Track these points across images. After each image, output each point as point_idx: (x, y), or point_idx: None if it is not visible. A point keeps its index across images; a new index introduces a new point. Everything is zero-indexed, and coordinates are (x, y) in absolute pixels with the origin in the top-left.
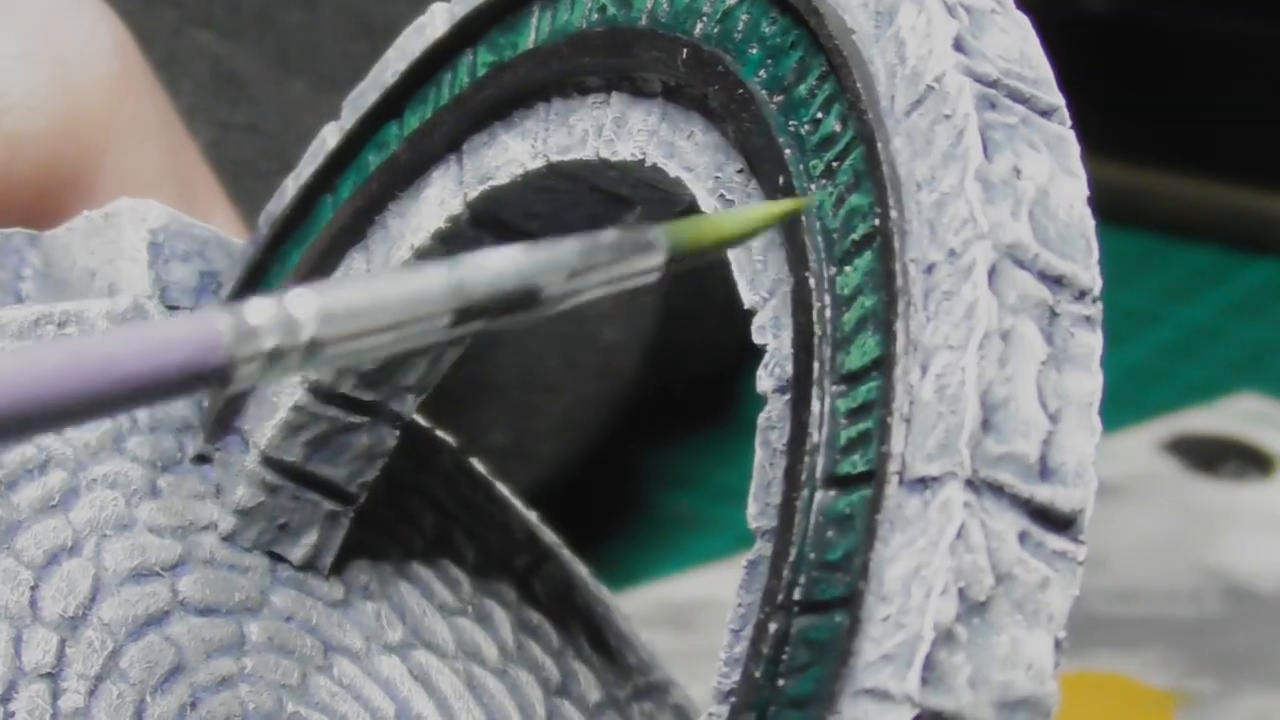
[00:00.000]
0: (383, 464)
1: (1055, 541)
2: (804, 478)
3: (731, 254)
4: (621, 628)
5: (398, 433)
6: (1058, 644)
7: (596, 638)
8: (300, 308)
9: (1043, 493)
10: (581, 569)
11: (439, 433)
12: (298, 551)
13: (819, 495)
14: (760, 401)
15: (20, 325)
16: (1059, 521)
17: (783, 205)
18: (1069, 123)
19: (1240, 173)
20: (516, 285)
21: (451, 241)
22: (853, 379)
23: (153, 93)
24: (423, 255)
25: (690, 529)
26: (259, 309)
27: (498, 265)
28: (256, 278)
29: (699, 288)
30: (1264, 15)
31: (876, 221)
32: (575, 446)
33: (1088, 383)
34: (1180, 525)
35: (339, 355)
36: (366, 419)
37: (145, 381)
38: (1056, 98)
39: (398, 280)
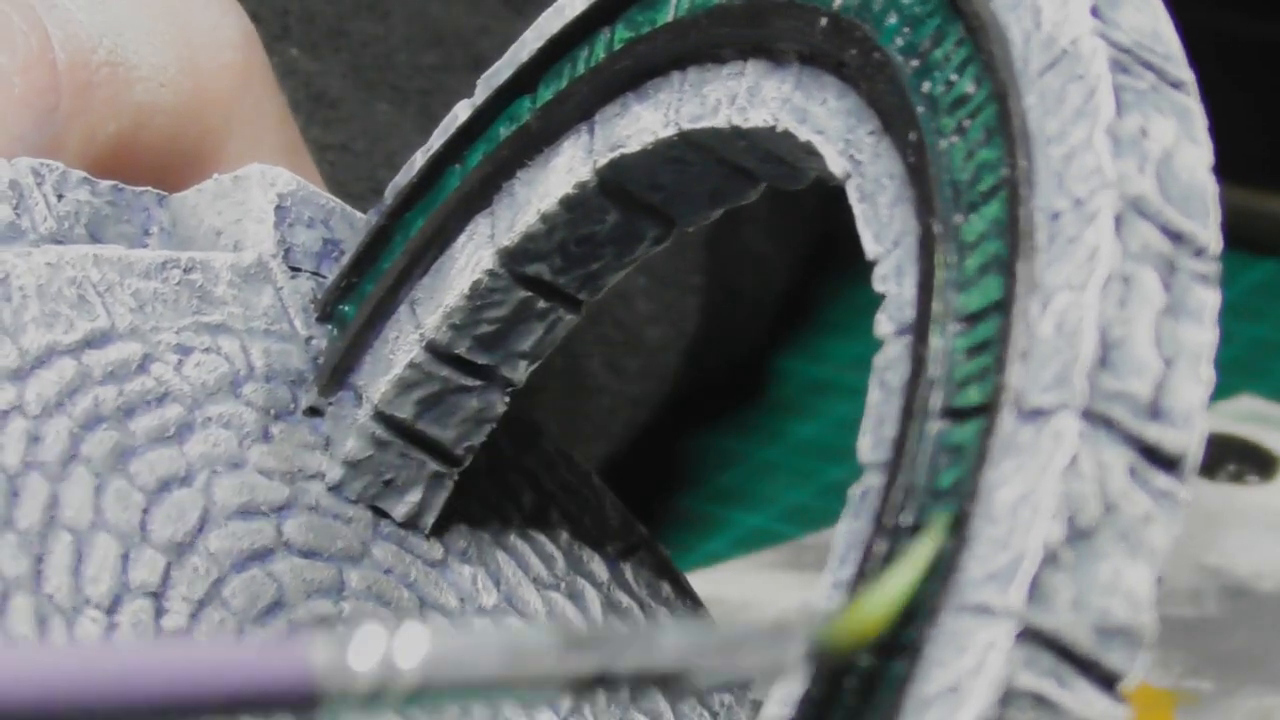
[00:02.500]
0: (489, 430)
1: (1161, 480)
2: (919, 410)
3: (857, 207)
4: (707, 621)
5: (507, 399)
6: (1158, 579)
7: None
8: (406, 655)
9: (1152, 431)
10: (672, 564)
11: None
12: (401, 508)
13: (933, 426)
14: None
15: (148, 266)
16: (1166, 461)
17: (919, 564)
18: (1197, 97)
19: (1240, 173)
20: (669, 667)
21: (577, 207)
22: (973, 319)
23: (272, 89)
24: (548, 220)
25: (690, 530)
26: (364, 648)
27: (655, 647)
28: (380, 244)
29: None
30: (1262, 15)
31: (1005, 172)
32: (616, 447)
33: (1202, 334)
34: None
35: (433, 703)
36: (479, 382)
37: (230, 697)
38: (1186, 73)
39: (523, 646)
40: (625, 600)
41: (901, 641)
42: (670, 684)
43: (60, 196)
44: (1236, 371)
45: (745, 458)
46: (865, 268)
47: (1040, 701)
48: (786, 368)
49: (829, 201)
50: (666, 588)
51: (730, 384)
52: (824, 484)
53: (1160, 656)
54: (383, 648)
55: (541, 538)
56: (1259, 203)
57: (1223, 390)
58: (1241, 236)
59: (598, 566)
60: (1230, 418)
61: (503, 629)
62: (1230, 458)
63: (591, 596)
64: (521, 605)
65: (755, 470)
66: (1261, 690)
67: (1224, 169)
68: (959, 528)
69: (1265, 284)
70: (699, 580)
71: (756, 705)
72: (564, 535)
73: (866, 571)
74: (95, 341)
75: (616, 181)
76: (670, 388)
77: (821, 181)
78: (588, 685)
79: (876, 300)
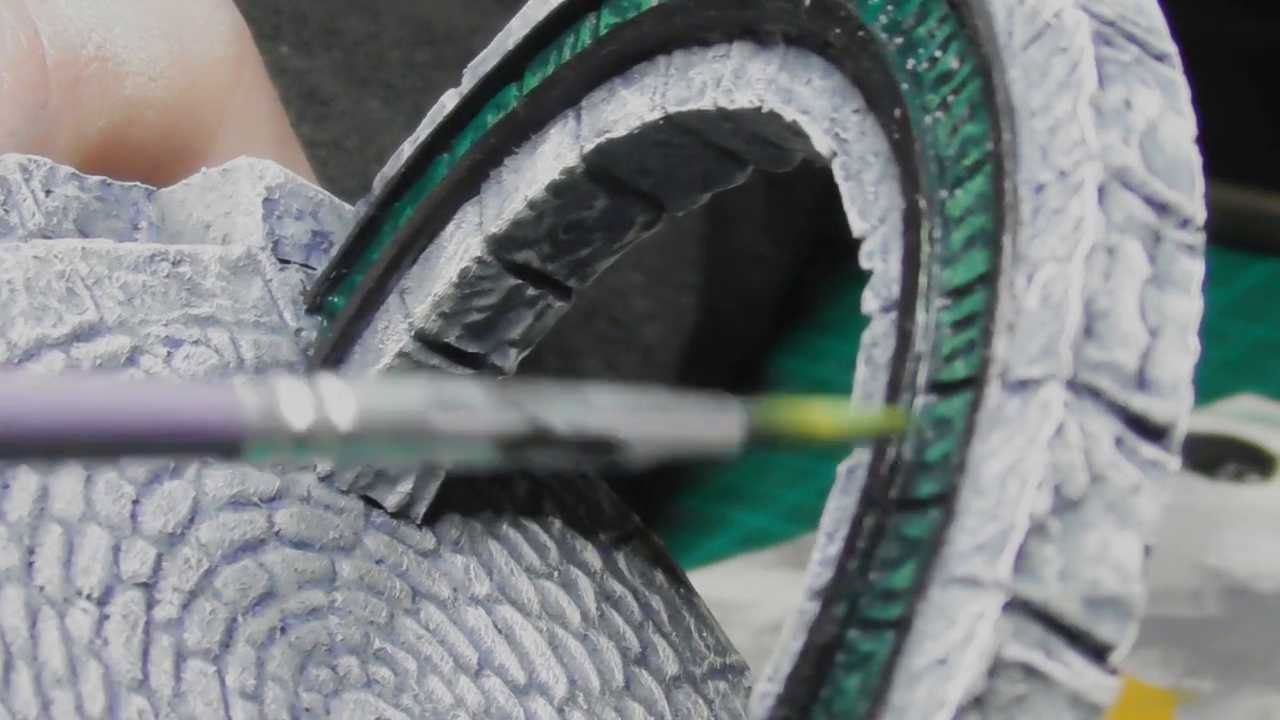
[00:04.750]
0: None
1: (1149, 450)
2: (906, 384)
3: (843, 185)
4: (701, 610)
5: None
6: (1146, 549)
7: (676, 615)
8: (337, 407)
9: (1139, 402)
10: (667, 553)
11: None
12: (393, 498)
13: (920, 400)
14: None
15: (136, 259)
16: (1153, 431)
17: (882, 420)
18: (1180, 70)
19: (1240, 173)
20: (598, 430)
21: (565, 193)
22: (959, 293)
23: (264, 84)
24: (537, 207)
25: (690, 530)
26: (293, 395)
27: (589, 406)
28: (368, 234)
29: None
30: (1262, 15)
31: (989, 146)
32: None
33: (1187, 305)
34: (1180, 525)
35: (360, 456)
36: (469, 371)
37: (160, 434)
38: (1170, 46)
39: (448, 391)
40: (619, 589)
41: (890, 617)
42: (607, 451)
43: (48, 192)
44: (1236, 371)
45: (745, 457)
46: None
47: (1030, 672)
48: (785, 367)
49: (827, 200)
50: (660, 576)
51: (728, 383)
52: (824, 484)
53: (1160, 656)
54: (310, 398)
55: (534, 527)
56: (1259, 203)
57: (1223, 390)
58: (1241, 236)
59: (591, 555)
60: (1230, 418)
61: (437, 397)
62: (1230, 458)
63: (585, 585)
64: (514, 594)
65: (755, 470)
66: (1261, 690)
67: (1224, 169)
68: (947, 496)
69: (1265, 284)
70: (699, 580)
71: (751, 694)
72: (557, 524)
73: (855, 547)
74: (84, 334)
75: (604, 167)
76: (668, 386)
77: (817, 177)
78: (521, 443)
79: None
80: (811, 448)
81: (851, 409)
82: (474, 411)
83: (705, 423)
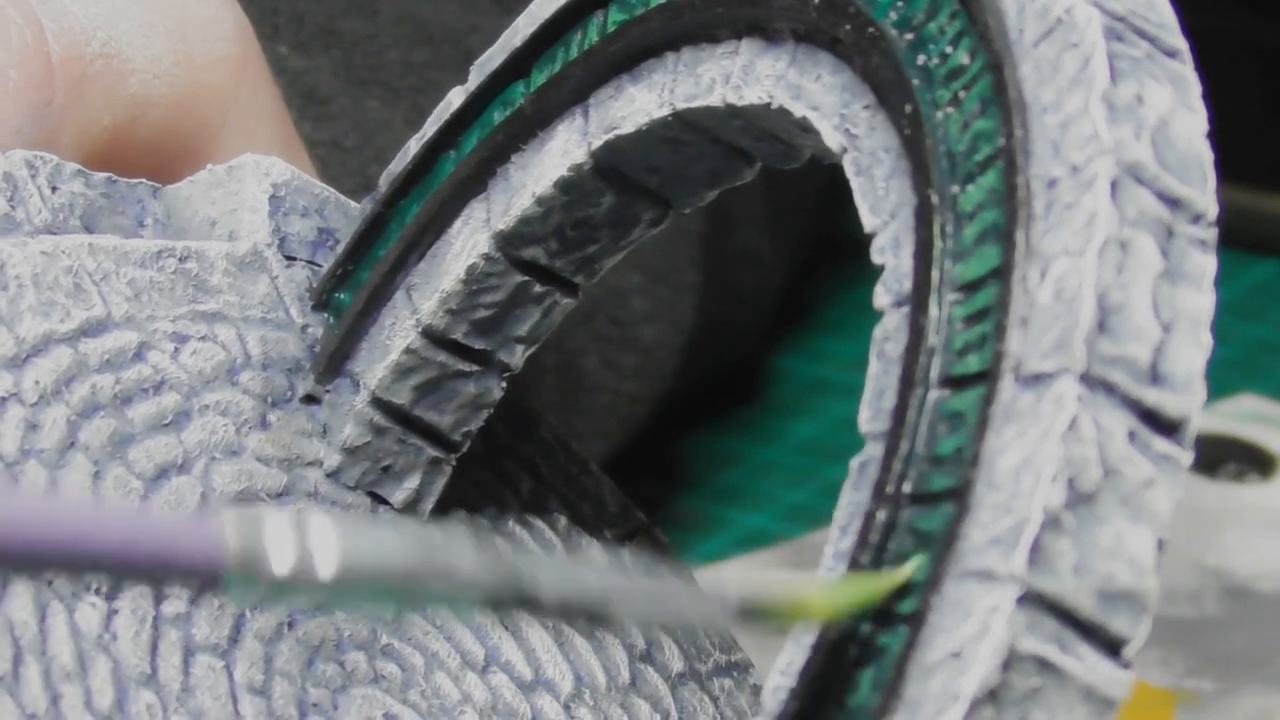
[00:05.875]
0: (487, 415)
1: (1162, 444)
2: (918, 379)
3: (854, 181)
4: None
5: (504, 384)
6: (1160, 543)
7: None
8: (321, 552)
9: (1152, 396)
10: (672, 550)
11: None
12: (399, 494)
13: (933, 394)
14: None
15: (143, 255)
16: (1166, 425)
17: (879, 586)
18: (1191, 66)
19: (1240, 173)
20: (590, 600)
21: (573, 190)
22: (970, 287)
23: (267, 82)
24: (544, 204)
25: (690, 530)
26: (278, 535)
27: (571, 579)
28: (375, 231)
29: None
30: (1263, 15)
31: (1001, 141)
32: (613, 445)
33: (1200, 300)
34: (1180, 525)
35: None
36: (476, 367)
37: (141, 561)
38: (1181, 42)
39: (436, 551)
40: None
41: (903, 611)
42: (594, 619)
43: (54, 189)
44: (1236, 371)
45: (744, 458)
46: (864, 267)
47: (1044, 666)
48: (785, 367)
49: (827, 200)
50: (665, 572)
51: (728, 383)
52: (823, 484)
53: (1160, 656)
54: (295, 537)
55: (540, 524)
56: (1259, 203)
57: (1223, 390)
58: (1241, 236)
59: (596, 553)
60: (1230, 418)
61: (420, 537)
62: (1230, 458)
63: None
64: None
65: (754, 470)
66: (1261, 690)
67: (1224, 169)
68: (960, 491)
69: (1265, 284)
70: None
71: (756, 690)
72: (562, 521)
73: (868, 541)
74: (91, 330)
75: (611, 163)
76: (667, 386)
77: (817, 177)
78: (507, 603)
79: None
80: (801, 625)
81: (843, 589)
82: (461, 573)
83: (697, 604)
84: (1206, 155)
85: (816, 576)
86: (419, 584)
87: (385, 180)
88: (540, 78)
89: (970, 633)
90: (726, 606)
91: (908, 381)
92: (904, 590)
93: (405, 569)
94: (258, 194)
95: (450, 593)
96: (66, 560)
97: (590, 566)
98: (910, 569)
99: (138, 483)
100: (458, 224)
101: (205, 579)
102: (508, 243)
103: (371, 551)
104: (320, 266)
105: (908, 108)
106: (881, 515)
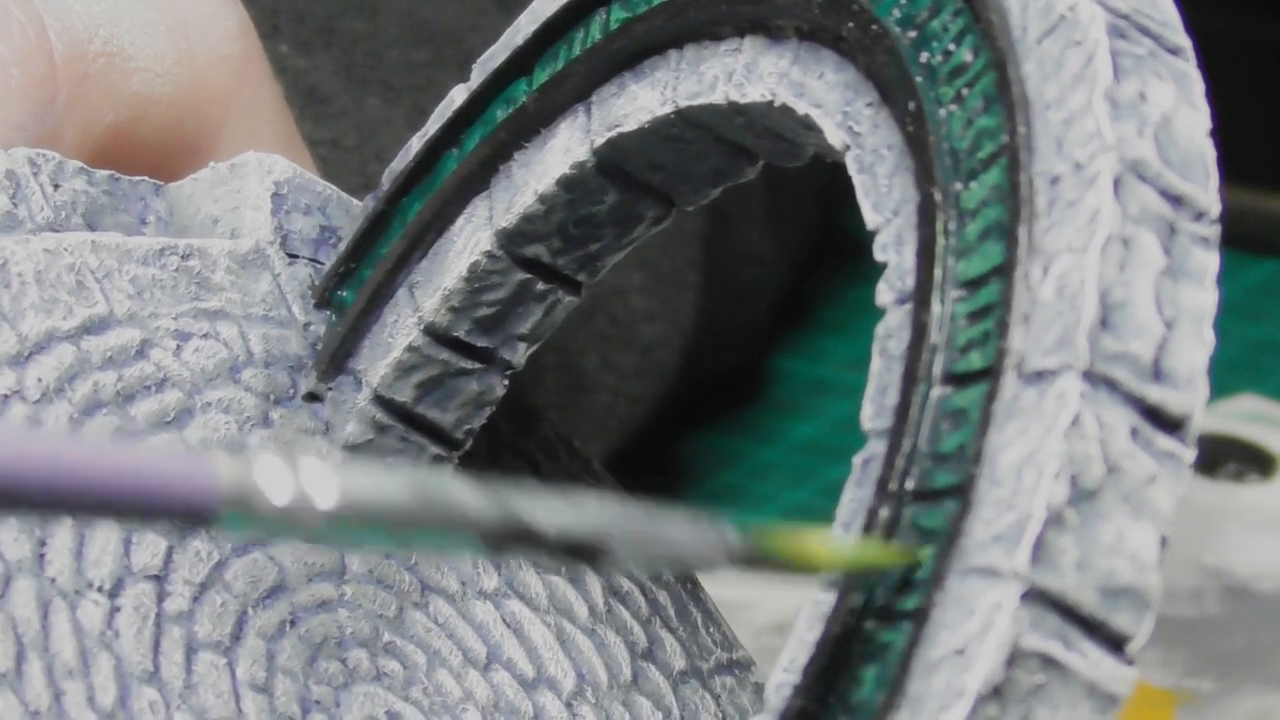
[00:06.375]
0: (489, 413)
1: (1164, 441)
2: (921, 375)
3: (857, 179)
4: (708, 605)
5: (507, 381)
6: (1163, 540)
7: (683, 610)
8: (318, 487)
9: (1155, 393)
10: None
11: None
12: None
13: (936, 391)
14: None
15: (146, 253)
16: (1169, 423)
17: (877, 554)
18: (1194, 64)
19: (1240, 173)
20: (589, 535)
21: (575, 188)
22: (973, 284)
23: (269, 81)
24: (547, 201)
25: None
26: (274, 472)
27: (569, 511)
28: (377, 229)
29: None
30: (1263, 15)
31: (1004, 139)
32: (613, 445)
33: (1202, 297)
34: (1180, 525)
35: (339, 539)
36: (478, 365)
37: (132, 497)
38: (1184, 40)
39: (434, 485)
40: (626, 584)
41: (907, 607)
42: (592, 557)
43: (57, 186)
44: (1236, 371)
45: (744, 458)
46: (864, 267)
47: (1047, 662)
48: (785, 367)
49: (827, 200)
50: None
51: (728, 383)
52: (823, 484)
53: (1160, 656)
54: (291, 475)
55: None
56: (1259, 203)
57: (1223, 390)
58: (1241, 236)
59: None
60: (1230, 418)
61: (418, 476)
62: (1230, 458)
63: (592, 580)
64: (522, 589)
65: (754, 470)
66: (1261, 690)
67: (1224, 169)
68: (963, 487)
69: (1265, 284)
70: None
71: (758, 688)
72: None
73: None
74: (94, 327)
75: (614, 161)
76: (667, 386)
77: (817, 177)
78: (505, 539)
79: (875, 300)
80: (800, 576)
81: (847, 542)
82: (459, 510)
83: (695, 540)
84: (1209, 153)
85: (823, 530)
86: (416, 521)
87: (387, 178)
88: (543, 75)
89: (974, 629)
90: (729, 548)
91: (910, 378)
92: (907, 587)
93: (403, 505)
94: (260, 191)
95: (448, 529)
96: (56, 498)
97: (590, 502)
98: (920, 552)
99: None
100: (460, 222)
101: (198, 515)
102: (510, 240)
103: (369, 488)
104: (322, 264)
105: (911, 105)
106: (884, 512)
